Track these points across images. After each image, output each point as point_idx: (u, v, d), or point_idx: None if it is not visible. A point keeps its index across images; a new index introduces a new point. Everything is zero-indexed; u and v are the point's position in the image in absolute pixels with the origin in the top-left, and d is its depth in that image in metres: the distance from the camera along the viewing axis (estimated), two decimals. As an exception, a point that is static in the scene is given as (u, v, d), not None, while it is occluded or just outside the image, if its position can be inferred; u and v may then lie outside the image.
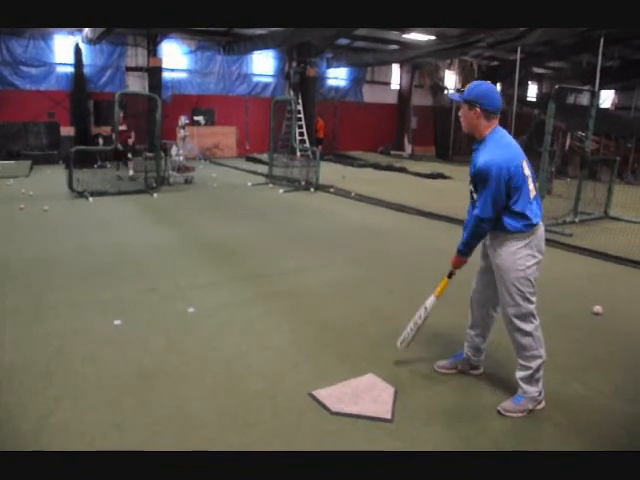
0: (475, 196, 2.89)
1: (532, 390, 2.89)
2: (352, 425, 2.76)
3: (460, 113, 2.92)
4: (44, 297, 4.49)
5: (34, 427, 2.66)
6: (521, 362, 2.93)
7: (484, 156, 2.75)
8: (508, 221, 2.79)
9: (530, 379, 2.89)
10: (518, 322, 2.86)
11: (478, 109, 2.78)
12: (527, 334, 2.86)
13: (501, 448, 2.58)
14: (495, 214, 2.77)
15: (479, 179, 2.76)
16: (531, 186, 2.81)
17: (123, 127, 12.22)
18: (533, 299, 2.85)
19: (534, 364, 2.88)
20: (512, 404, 2.90)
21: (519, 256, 2.80)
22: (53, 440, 2.55)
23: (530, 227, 2.79)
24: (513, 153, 2.79)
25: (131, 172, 12.12)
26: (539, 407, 2.92)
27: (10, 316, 4.07)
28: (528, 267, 2.80)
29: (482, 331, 3.21)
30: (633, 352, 3.72)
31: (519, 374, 2.94)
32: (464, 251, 3.00)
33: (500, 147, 2.78)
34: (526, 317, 2.85)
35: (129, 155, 12.15)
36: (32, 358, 3.39)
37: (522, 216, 2.77)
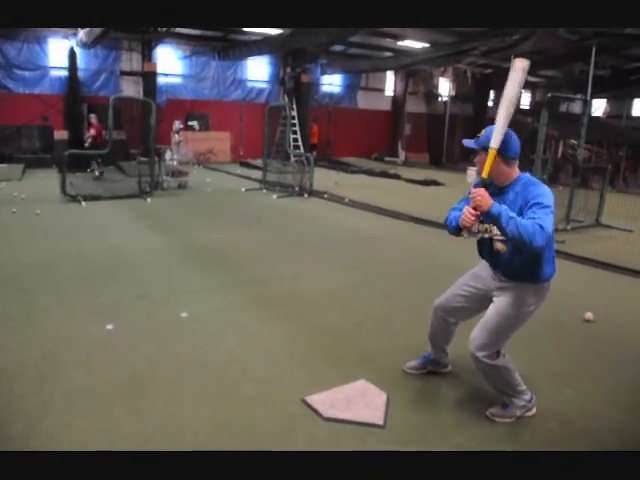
0: (504, 243, 2.70)
1: (517, 401, 2.89)
2: (345, 431, 2.75)
3: (476, 159, 2.75)
4: (35, 302, 4.46)
5: (24, 432, 2.63)
6: (493, 388, 2.93)
7: (535, 188, 2.59)
8: (545, 268, 2.69)
9: (510, 395, 2.88)
10: (480, 353, 2.75)
11: (497, 156, 2.60)
12: (490, 366, 2.78)
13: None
14: (545, 240, 2.43)
15: (536, 202, 2.51)
16: None
17: (92, 132, 12.70)
18: (507, 341, 2.82)
19: (503, 387, 2.87)
20: (501, 410, 2.91)
21: (527, 310, 2.76)
22: (43, 446, 2.53)
23: (552, 273, 2.75)
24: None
25: (96, 173, 12.71)
26: (529, 414, 2.93)
27: (1, 321, 4.03)
28: (527, 313, 2.77)
29: (444, 340, 3.22)
30: (625, 359, 3.75)
31: (497, 393, 2.94)
32: (497, 215, 2.47)
33: (543, 184, 2.66)
34: (492, 355, 2.76)
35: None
36: (23, 363, 3.36)
37: (552, 260, 2.72)
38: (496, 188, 2.73)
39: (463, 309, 3.04)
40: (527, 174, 2.74)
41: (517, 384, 2.88)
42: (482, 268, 2.99)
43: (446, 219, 2.90)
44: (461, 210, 2.74)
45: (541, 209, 2.48)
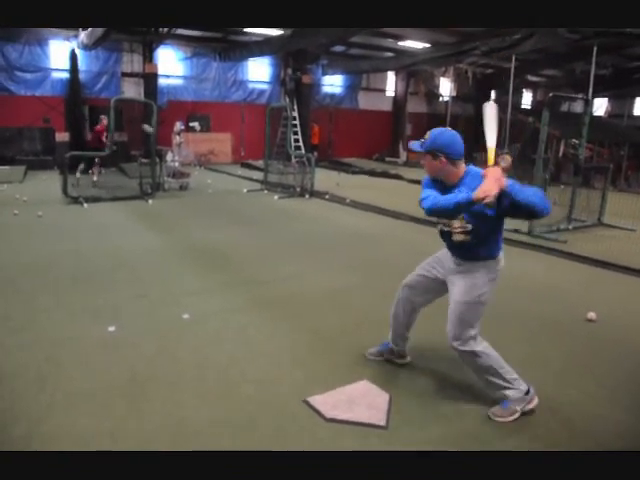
0: (466, 234, 2.79)
1: (513, 393, 2.89)
2: (347, 431, 2.75)
3: (422, 162, 2.85)
4: (36, 302, 4.46)
5: (25, 434, 2.63)
6: (480, 380, 2.99)
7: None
8: (499, 244, 2.88)
9: (500, 388, 2.91)
10: (458, 345, 2.88)
11: (443, 158, 2.72)
12: (470, 353, 2.88)
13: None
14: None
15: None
16: None
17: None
18: (476, 326, 2.88)
19: (488, 377, 2.91)
20: (501, 409, 2.91)
21: (479, 292, 2.84)
22: (45, 447, 2.53)
23: (500, 250, 2.90)
24: None
25: (95, 178, 11.97)
26: (531, 406, 2.92)
27: (1, 321, 4.04)
28: (485, 292, 2.85)
29: (406, 321, 3.33)
30: (627, 358, 3.73)
31: (488, 390, 2.99)
32: (511, 192, 2.57)
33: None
34: (466, 341, 2.86)
35: (96, 160, 12.08)
36: (24, 364, 3.36)
37: (501, 236, 2.90)
38: (447, 188, 2.78)
39: (424, 290, 3.18)
40: (471, 166, 2.85)
41: (505, 372, 2.89)
42: (443, 253, 3.12)
43: (433, 205, 2.72)
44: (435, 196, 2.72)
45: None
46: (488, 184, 2.52)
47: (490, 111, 2.98)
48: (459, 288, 2.89)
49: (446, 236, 2.93)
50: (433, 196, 2.72)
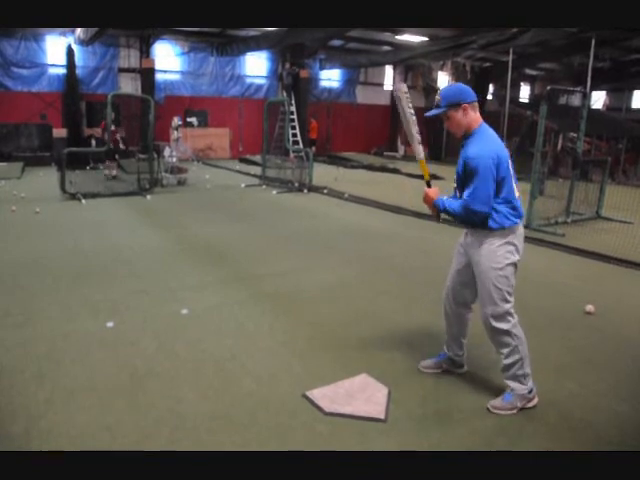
0: (458, 194, 2.95)
1: (520, 388, 2.90)
2: (346, 425, 2.75)
3: (446, 124, 2.91)
4: (34, 299, 4.46)
5: (24, 430, 2.63)
6: (502, 359, 2.95)
7: (474, 147, 2.79)
8: (493, 216, 2.81)
9: (515, 376, 2.90)
10: (494, 322, 2.88)
11: (465, 105, 2.82)
12: (504, 332, 2.88)
13: (495, 447, 2.58)
14: (486, 208, 2.75)
15: (470, 169, 2.76)
16: (514, 184, 2.86)
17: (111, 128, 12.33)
18: (510, 299, 2.87)
19: (511, 360, 2.89)
20: (501, 402, 2.91)
21: (499, 254, 2.83)
22: (44, 443, 2.53)
23: (512, 224, 2.83)
24: (501, 144, 2.86)
25: (114, 172, 12.38)
26: (530, 405, 2.93)
27: (0, 318, 4.03)
28: (507, 265, 2.83)
29: (460, 330, 3.22)
30: (625, 351, 3.74)
31: (503, 372, 2.96)
32: (441, 209, 2.95)
33: (489, 138, 2.85)
34: (503, 317, 2.86)
35: (116, 156, 12.18)
36: (22, 360, 3.36)
37: (510, 205, 2.81)
38: (464, 138, 2.91)
39: (463, 285, 3.09)
40: (484, 124, 2.91)
41: (526, 363, 2.90)
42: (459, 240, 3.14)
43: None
44: None
45: (470, 183, 2.77)
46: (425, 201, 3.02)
47: (403, 97, 2.95)
48: (479, 257, 2.88)
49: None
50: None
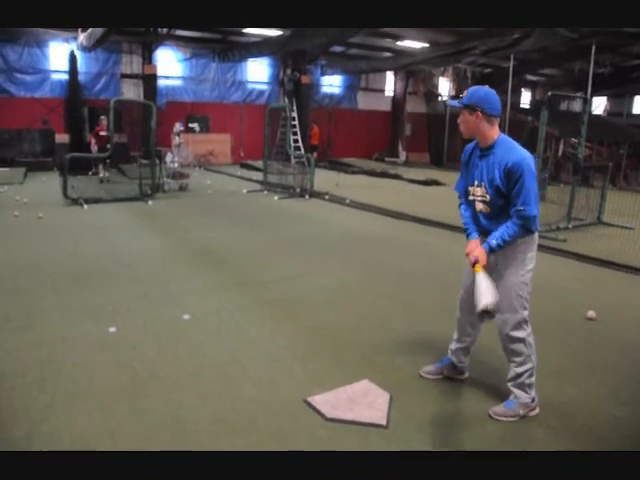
0: (488, 209, 2.87)
1: (524, 396, 2.89)
2: (347, 431, 2.74)
3: (459, 120, 2.88)
4: (36, 303, 4.47)
5: (25, 434, 2.63)
6: (512, 368, 2.94)
7: (511, 154, 2.73)
8: None
9: (521, 385, 2.90)
10: (512, 330, 2.86)
11: (479, 113, 2.77)
12: (519, 340, 2.86)
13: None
14: (536, 210, 2.70)
15: (516, 175, 2.68)
16: None
17: (104, 133, 12.61)
18: (527, 306, 2.87)
19: (523, 369, 2.88)
20: (503, 408, 2.91)
21: (526, 260, 2.82)
22: (45, 447, 2.52)
23: (536, 229, 2.82)
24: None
25: (101, 174, 12.79)
26: (532, 413, 2.92)
27: (2, 322, 4.04)
28: (529, 270, 2.83)
29: (468, 337, 3.21)
30: (626, 356, 3.74)
31: (510, 379, 2.95)
32: (495, 249, 2.79)
33: (514, 143, 2.83)
34: (520, 325, 2.85)
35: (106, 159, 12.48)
36: (24, 365, 3.36)
37: (535, 217, 2.78)
38: (480, 150, 2.88)
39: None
40: (503, 135, 2.87)
41: (533, 371, 2.90)
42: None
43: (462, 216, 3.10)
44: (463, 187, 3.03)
45: (518, 192, 2.69)
46: (473, 256, 2.82)
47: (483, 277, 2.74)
48: (506, 264, 2.84)
49: (472, 205, 2.98)
50: (463, 208, 3.06)
